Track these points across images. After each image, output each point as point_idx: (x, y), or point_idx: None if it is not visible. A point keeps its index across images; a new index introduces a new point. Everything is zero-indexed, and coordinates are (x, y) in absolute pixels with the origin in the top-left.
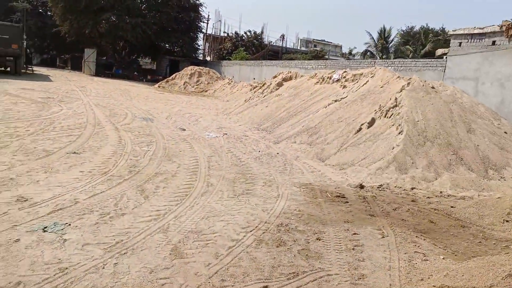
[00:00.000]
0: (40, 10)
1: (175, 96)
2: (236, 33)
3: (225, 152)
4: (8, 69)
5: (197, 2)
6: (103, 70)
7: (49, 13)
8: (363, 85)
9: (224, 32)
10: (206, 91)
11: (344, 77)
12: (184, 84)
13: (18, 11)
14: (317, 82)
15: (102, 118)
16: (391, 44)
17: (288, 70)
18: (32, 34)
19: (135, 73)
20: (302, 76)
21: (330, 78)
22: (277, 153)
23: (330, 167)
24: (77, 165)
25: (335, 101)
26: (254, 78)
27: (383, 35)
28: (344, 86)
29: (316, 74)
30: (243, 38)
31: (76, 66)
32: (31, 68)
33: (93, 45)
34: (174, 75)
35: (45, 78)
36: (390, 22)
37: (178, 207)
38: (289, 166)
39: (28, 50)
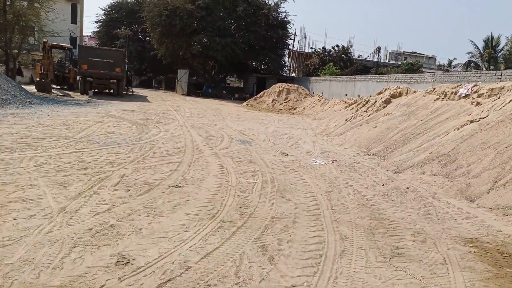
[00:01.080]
0: (140, 36)
1: (265, 115)
2: (323, 48)
3: (343, 186)
4: (112, 90)
5: (285, 19)
6: (194, 89)
7: (148, 38)
8: (509, 102)
9: (310, 48)
10: (294, 108)
11: (476, 91)
12: (272, 102)
13: (122, 37)
14: (438, 99)
15: (199, 141)
16: (500, 53)
17: (397, 86)
18: (132, 58)
19: (224, 91)
20: (414, 92)
21: (455, 94)
22: (407, 188)
23: (486, 210)
24: (181, 205)
25: (472, 121)
26: (346, 95)
27: (491, 43)
28: (478, 103)
29: (434, 89)
30: (331, 53)
31: (170, 86)
32: (131, 90)
33: (186, 66)
34: (262, 93)
35: (143, 99)
36: (487, 29)
37: (318, 280)
38: (431, 208)
39: (129, 73)
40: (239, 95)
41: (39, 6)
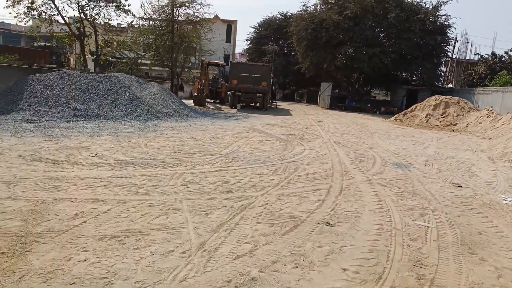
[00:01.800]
0: (285, 51)
1: (419, 132)
2: (492, 53)
3: None
4: (257, 104)
5: (445, 23)
6: (337, 102)
7: (292, 53)
8: None
9: (475, 54)
10: (454, 124)
11: None
12: (426, 117)
13: (269, 53)
14: None
15: (348, 163)
16: None
17: None
18: (277, 72)
19: (368, 105)
20: None
21: None
22: None
23: None
24: (335, 253)
25: None
26: None
27: None
28: None
29: None
30: (503, 59)
31: (312, 99)
32: (275, 103)
33: (329, 79)
34: (414, 107)
35: (286, 112)
36: None
37: None
38: None
39: (273, 86)
40: (386, 109)
41: (200, 28)
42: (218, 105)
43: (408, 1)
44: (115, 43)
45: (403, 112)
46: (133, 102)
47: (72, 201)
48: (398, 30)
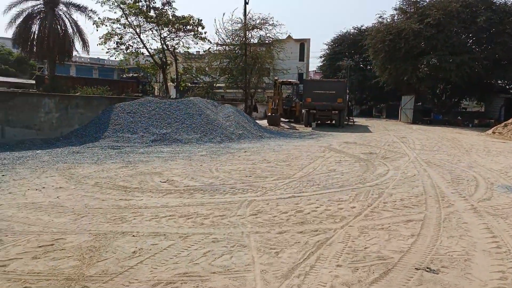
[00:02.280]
0: (361, 66)
1: None
2: None
3: None
4: (333, 121)
5: None
6: (421, 116)
7: (369, 67)
8: None
9: None
10: None
11: None
12: None
13: (343, 68)
14: None
15: (443, 187)
16: None
17: None
18: (353, 88)
19: (458, 117)
20: None
21: None
22: None
23: None
24: None
25: None
26: None
27: None
28: None
29: None
30: None
31: (391, 114)
32: (352, 120)
33: (411, 92)
34: None
35: (365, 129)
36: None
37: None
38: None
39: (350, 102)
40: (480, 121)
41: (273, 48)
42: (292, 124)
43: (500, 2)
44: (194, 69)
45: (502, 124)
46: (207, 125)
47: (133, 235)
48: (490, 34)
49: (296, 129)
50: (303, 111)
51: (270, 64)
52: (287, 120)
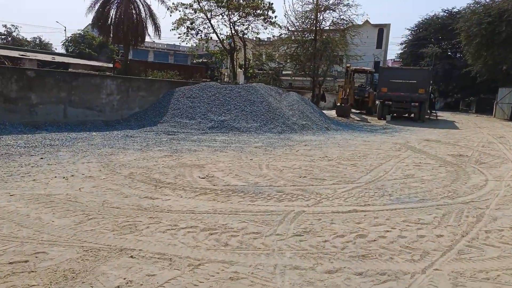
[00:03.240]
0: (449, 53)
1: None
2: None
3: None
4: (412, 115)
5: None
6: None
7: (459, 55)
8: None
9: None
10: None
11: None
12: None
13: (427, 56)
14: None
15: None
16: None
17: None
18: (437, 78)
19: None
20: None
21: None
22: None
23: None
24: None
25: None
26: None
27: None
28: None
29: None
30: None
31: (482, 108)
32: (435, 114)
33: (509, 83)
34: None
35: (450, 125)
36: None
37: None
38: None
39: (432, 94)
40: None
41: (347, 33)
42: (364, 116)
43: None
44: (263, 56)
45: None
46: (268, 113)
47: (131, 256)
48: None
49: (368, 122)
50: (377, 102)
51: (342, 50)
52: (358, 111)
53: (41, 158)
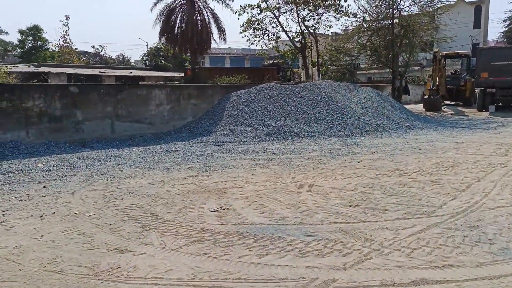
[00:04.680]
0: None
1: None
2: None
3: None
4: None
5: None
6: None
7: None
8: None
9: None
10: None
11: None
12: None
13: None
14: None
15: None
16: None
17: None
18: None
19: None
20: None
21: None
22: None
23: None
24: None
25: None
26: None
27: None
28: None
29: None
30: None
31: None
32: None
33: None
34: None
35: None
36: None
37: None
38: None
39: None
40: None
41: (436, 15)
42: (460, 109)
43: None
44: (334, 50)
45: None
46: (335, 113)
47: None
48: None
49: (465, 115)
50: (476, 90)
51: (427, 33)
52: (453, 103)
53: (44, 187)
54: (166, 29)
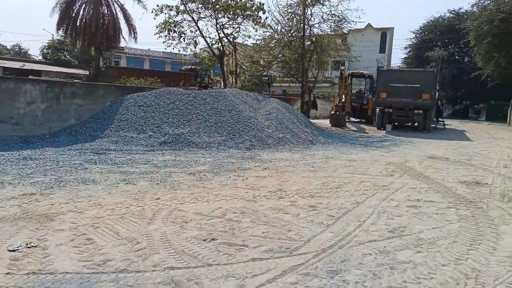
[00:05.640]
0: (456, 57)
1: None
2: None
3: None
4: (416, 124)
5: None
6: None
7: (467, 59)
8: None
9: None
10: None
11: None
12: None
13: (434, 60)
14: None
15: None
16: None
17: None
18: (445, 84)
19: None
20: None
21: None
22: None
23: None
24: None
25: None
26: None
27: None
28: None
29: None
30: None
31: (493, 116)
32: (442, 122)
33: None
34: None
35: (460, 135)
36: None
37: None
38: None
39: (440, 101)
40: None
41: (338, 29)
42: (362, 126)
43: None
44: (246, 60)
45: None
46: (238, 124)
47: None
48: None
49: (365, 132)
50: (377, 109)
51: (337, 53)
52: (358, 120)
53: None
54: (66, 20)
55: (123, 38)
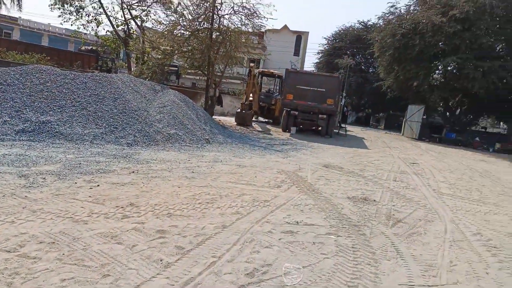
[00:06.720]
0: (362, 67)
1: None
2: None
3: None
4: (319, 128)
5: None
6: (429, 132)
7: (371, 70)
8: None
9: None
10: None
11: None
12: None
13: (342, 67)
14: None
15: None
16: None
17: None
18: (352, 91)
19: (476, 139)
20: None
21: None
22: None
23: None
24: None
25: None
26: None
27: None
28: None
29: None
30: None
31: (390, 125)
32: (344, 128)
33: (419, 101)
34: None
35: (359, 142)
36: None
37: None
38: None
39: (345, 108)
40: (503, 146)
41: (249, 23)
42: (269, 127)
43: None
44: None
45: None
46: (122, 115)
47: None
48: None
49: (270, 134)
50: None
51: (247, 49)
52: (265, 120)
53: None
54: None
55: (4, 4)
